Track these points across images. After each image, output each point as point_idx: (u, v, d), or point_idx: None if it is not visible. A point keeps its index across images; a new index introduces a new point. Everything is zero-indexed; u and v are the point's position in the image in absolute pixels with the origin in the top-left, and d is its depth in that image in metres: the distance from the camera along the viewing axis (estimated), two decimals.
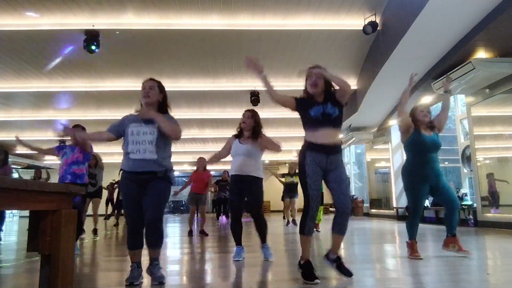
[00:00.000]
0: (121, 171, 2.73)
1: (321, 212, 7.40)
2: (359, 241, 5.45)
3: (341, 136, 2.98)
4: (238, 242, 3.79)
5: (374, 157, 12.89)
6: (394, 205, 10.77)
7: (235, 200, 3.77)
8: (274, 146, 3.73)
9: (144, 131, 2.62)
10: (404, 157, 4.07)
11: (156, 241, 2.67)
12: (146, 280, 2.72)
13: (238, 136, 3.85)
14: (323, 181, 2.81)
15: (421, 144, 3.65)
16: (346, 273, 2.65)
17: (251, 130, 3.76)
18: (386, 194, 11.77)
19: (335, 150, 2.74)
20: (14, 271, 3.51)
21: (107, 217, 12.73)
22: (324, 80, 2.76)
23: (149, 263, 2.73)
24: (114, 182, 11.69)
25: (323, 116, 2.71)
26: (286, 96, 2.86)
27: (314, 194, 2.67)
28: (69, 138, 4.69)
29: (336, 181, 2.71)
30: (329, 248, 2.81)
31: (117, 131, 2.73)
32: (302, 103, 2.82)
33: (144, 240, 2.68)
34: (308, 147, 2.74)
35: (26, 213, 2.13)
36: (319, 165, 2.70)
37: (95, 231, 7.15)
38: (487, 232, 6.23)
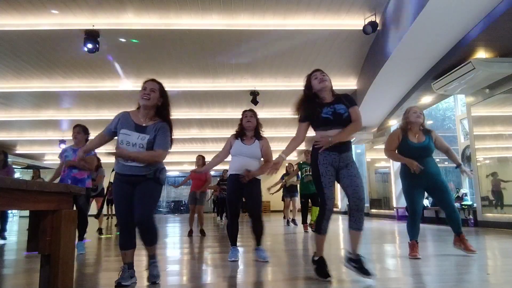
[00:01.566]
0: (113, 171, 2.74)
1: (317, 211, 7.37)
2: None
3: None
4: (234, 243, 3.77)
5: (374, 157, 12.87)
6: (394, 205, 10.76)
7: (234, 200, 3.72)
8: (265, 169, 3.60)
9: (134, 142, 2.59)
10: None
11: (149, 238, 2.66)
12: (142, 280, 2.72)
13: (239, 135, 3.78)
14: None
15: (409, 152, 3.62)
16: (366, 273, 2.58)
17: (253, 130, 3.76)
18: (386, 194, 11.76)
19: (346, 148, 2.74)
20: (14, 271, 3.51)
21: (108, 216, 12.87)
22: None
23: (147, 261, 2.74)
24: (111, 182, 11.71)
25: (334, 115, 2.71)
26: (299, 131, 2.83)
27: (329, 193, 2.67)
28: (73, 139, 4.59)
29: (349, 175, 2.70)
30: (348, 250, 2.76)
31: (112, 132, 2.70)
32: (310, 114, 2.79)
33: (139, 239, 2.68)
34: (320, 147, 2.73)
35: (26, 213, 2.13)
36: (332, 164, 2.70)
37: (100, 231, 7.17)
38: (487, 232, 6.23)
